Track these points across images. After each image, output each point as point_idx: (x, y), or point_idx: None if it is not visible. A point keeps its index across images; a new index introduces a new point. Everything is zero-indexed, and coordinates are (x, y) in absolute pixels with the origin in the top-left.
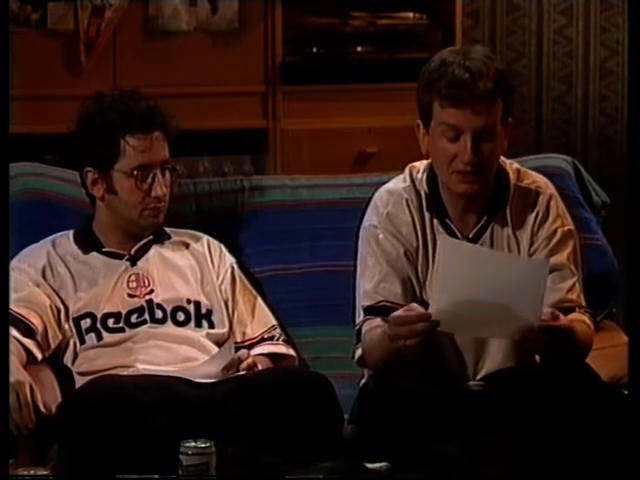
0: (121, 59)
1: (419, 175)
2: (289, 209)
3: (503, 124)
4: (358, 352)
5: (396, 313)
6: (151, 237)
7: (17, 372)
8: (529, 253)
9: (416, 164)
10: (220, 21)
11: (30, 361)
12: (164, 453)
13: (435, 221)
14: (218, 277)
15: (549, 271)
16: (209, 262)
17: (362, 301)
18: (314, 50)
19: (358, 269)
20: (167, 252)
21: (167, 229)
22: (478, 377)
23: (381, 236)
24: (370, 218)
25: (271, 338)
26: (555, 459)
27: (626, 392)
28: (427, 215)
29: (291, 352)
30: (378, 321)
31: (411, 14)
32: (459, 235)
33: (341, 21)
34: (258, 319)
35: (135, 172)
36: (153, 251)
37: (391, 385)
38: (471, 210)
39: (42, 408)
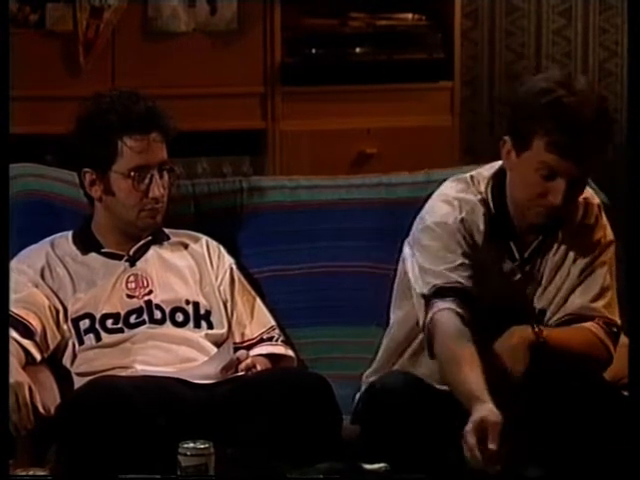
0: (120, 60)
1: (482, 187)
2: (288, 210)
3: None
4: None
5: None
6: (150, 238)
7: (16, 373)
8: (572, 262)
9: (474, 174)
10: (219, 22)
11: (29, 362)
12: (163, 454)
13: (496, 238)
14: (217, 278)
15: (583, 277)
16: (208, 263)
17: (433, 280)
18: (313, 51)
19: (418, 257)
20: (166, 253)
21: (166, 230)
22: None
23: (457, 233)
24: (439, 217)
25: (270, 339)
26: (555, 459)
27: (626, 392)
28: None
29: (290, 353)
30: (452, 309)
31: (410, 15)
32: (517, 255)
33: (340, 22)
34: (257, 320)
35: (132, 173)
36: (152, 252)
37: (400, 386)
38: (532, 231)
39: (41, 409)
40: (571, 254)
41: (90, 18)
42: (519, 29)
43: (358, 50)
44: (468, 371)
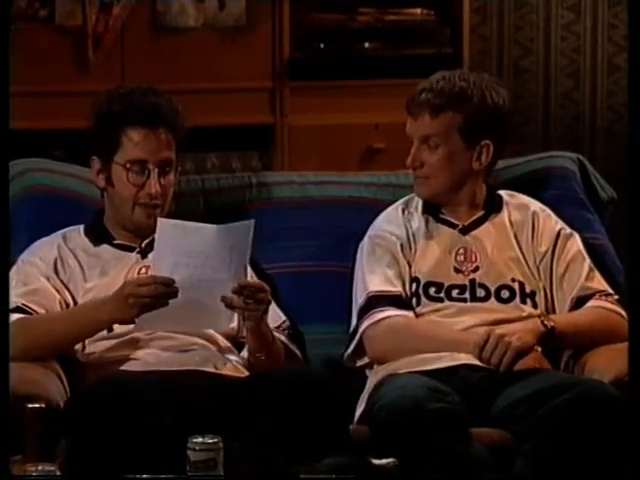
0: (129, 55)
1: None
2: (297, 206)
3: (468, 143)
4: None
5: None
6: None
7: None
8: (535, 254)
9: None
10: (227, 17)
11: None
12: (172, 449)
13: (430, 218)
14: None
15: (563, 271)
16: None
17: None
18: (321, 46)
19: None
20: None
21: None
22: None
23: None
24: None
25: (282, 331)
26: (555, 459)
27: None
28: (423, 216)
29: (296, 351)
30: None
31: (419, 10)
32: (456, 222)
33: (348, 17)
34: (269, 316)
35: (129, 165)
36: None
37: (409, 383)
38: (462, 209)
39: None
40: (526, 241)
41: (99, 13)
42: (528, 24)
43: (367, 45)
44: (436, 327)
